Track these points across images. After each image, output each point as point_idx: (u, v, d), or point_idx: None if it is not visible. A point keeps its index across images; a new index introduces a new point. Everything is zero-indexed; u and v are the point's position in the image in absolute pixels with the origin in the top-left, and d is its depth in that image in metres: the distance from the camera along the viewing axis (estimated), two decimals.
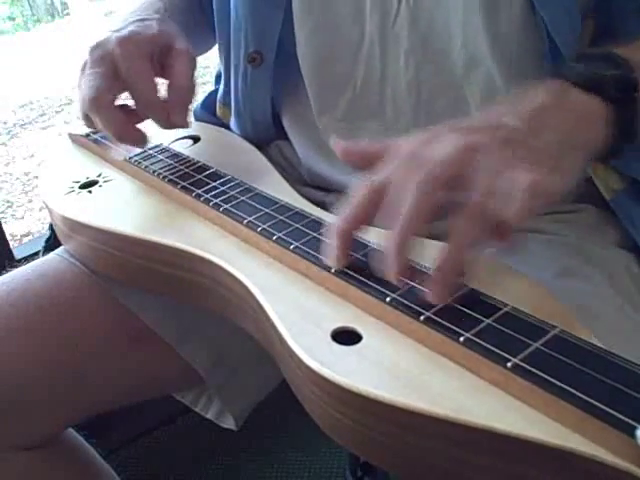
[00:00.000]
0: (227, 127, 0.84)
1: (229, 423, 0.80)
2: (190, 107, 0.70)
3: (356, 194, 0.48)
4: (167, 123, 0.69)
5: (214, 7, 0.80)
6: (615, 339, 0.41)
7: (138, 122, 0.69)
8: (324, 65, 0.71)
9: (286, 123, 0.78)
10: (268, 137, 0.80)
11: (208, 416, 0.81)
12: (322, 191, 0.77)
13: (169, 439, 1.34)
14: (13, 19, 6.14)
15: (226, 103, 0.83)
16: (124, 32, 0.68)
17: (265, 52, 0.73)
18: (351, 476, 1.06)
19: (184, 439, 1.33)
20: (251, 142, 0.79)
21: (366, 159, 0.51)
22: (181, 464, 1.29)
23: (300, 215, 0.58)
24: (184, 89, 0.70)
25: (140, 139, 0.69)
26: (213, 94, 0.88)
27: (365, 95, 0.70)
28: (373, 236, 0.54)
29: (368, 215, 0.48)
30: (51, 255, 0.74)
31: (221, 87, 0.84)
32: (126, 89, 0.67)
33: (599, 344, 0.40)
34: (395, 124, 0.70)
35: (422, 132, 0.49)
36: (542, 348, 0.39)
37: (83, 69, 0.69)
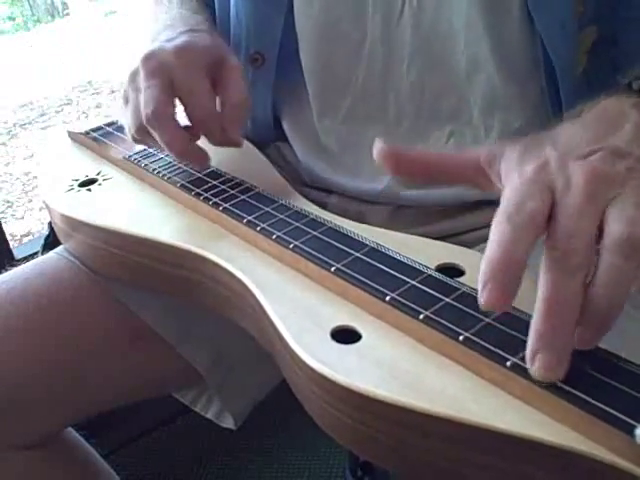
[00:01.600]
0: None
1: (229, 423, 0.80)
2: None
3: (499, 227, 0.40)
4: (222, 139, 0.65)
5: (215, 6, 0.79)
6: (617, 341, 0.41)
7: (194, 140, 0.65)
8: (325, 67, 0.71)
9: (286, 125, 0.78)
10: (268, 138, 0.80)
11: (208, 416, 0.81)
12: (323, 192, 0.77)
13: (169, 439, 1.34)
14: (13, 19, 6.15)
15: None
16: (179, 41, 0.65)
17: (266, 53, 0.72)
18: (351, 476, 1.06)
19: (184, 439, 1.33)
20: (251, 142, 0.79)
21: (430, 171, 0.46)
22: (181, 464, 1.29)
23: (299, 214, 0.58)
24: (241, 105, 0.65)
25: (204, 158, 0.65)
26: None
27: (367, 98, 0.70)
28: (375, 235, 0.54)
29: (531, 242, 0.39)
30: (50, 254, 0.74)
31: None
32: (180, 101, 0.63)
33: (600, 345, 0.39)
34: (397, 127, 0.70)
35: (517, 152, 0.43)
36: None
37: (133, 81, 0.64)
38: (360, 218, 0.71)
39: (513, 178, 0.41)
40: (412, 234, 0.56)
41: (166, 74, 0.62)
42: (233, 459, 1.28)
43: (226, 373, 0.77)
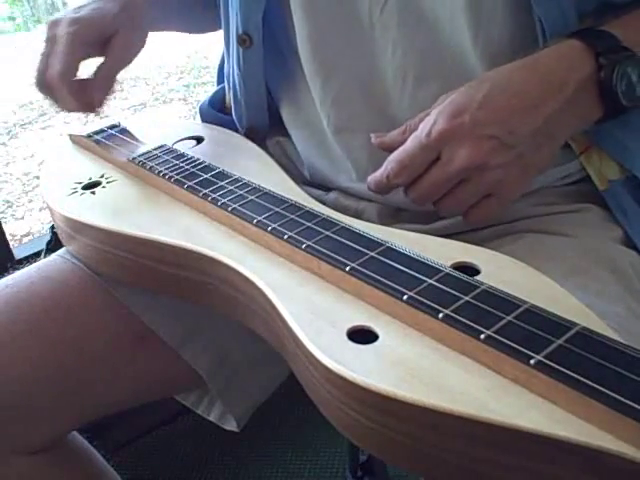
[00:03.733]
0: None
1: (231, 425, 0.80)
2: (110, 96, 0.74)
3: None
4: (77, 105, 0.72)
5: None
6: (625, 338, 0.41)
7: None
8: (316, 49, 0.71)
9: (284, 114, 0.79)
10: (263, 123, 0.80)
11: (210, 418, 0.81)
12: (322, 190, 0.77)
13: (169, 439, 1.34)
14: (13, 19, 6.13)
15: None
16: (79, 13, 0.72)
17: (253, 34, 0.73)
18: (351, 476, 1.06)
19: (184, 439, 1.33)
20: (249, 132, 0.79)
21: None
22: (181, 464, 1.29)
23: (310, 214, 0.57)
24: (109, 77, 0.74)
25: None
26: (220, 91, 0.88)
27: (355, 82, 0.70)
28: (387, 234, 0.53)
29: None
30: (53, 256, 0.74)
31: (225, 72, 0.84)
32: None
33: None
34: (385, 110, 0.70)
35: (447, 102, 0.59)
36: (566, 345, 0.38)
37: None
38: (359, 216, 0.72)
39: (425, 127, 0.58)
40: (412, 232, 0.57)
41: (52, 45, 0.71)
42: (233, 459, 1.28)
43: (228, 376, 0.77)
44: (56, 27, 0.71)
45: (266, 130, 0.81)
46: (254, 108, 0.78)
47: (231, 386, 0.77)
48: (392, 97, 0.69)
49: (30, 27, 6.03)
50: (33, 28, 5.99)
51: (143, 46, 0.76)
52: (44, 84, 0.71)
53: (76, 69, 0.70)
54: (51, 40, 0.71)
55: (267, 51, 0.74)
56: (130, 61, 0.75)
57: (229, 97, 0.84)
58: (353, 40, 0.68)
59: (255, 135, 0.79)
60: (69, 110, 0.73)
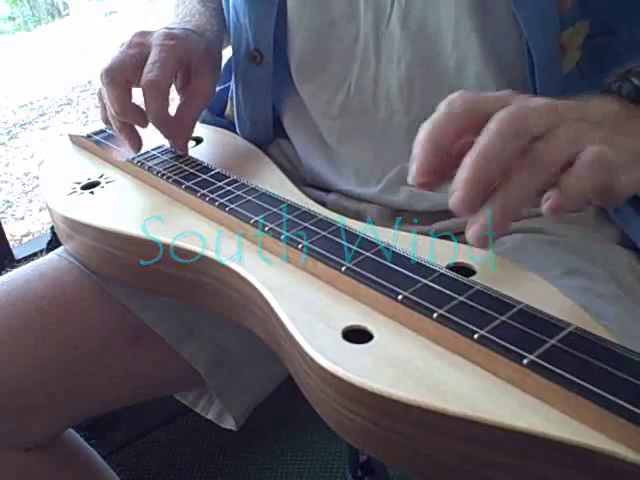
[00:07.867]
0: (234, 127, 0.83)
1: (230, 424, 0.80)
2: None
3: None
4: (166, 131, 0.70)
5: (223, 7, 0.80)
6: (622, 338, 0.41)
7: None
8: (319, 64, 0.71)
9: (286, 122, 0.79)
10: (268, 136, 0.80)
11: (209, 417, 0.81)
12: (322, 191, 0.77)
13: (169, 439, 1.34)
14: (14, 19, 6.14)
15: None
16: (172, 30, 0.71)
17: (264, 50, 0.73)
18: (351, 476, 1.06)
19: (184, 439, 1.33)
20: (251, 142, 0.79)
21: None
22: (181, 464, 1.29)
23: (308, 214, 0.57)
24: (196, 104, 0.72)
25: (141, 119, 0.69)
26: (221, 94, 0.88)
27: (359, 95, 0.70)
28: (384, 235, 0.54)
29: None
30: (51, 255, 0.74)
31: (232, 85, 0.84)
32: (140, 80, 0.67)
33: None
34: (389, 123, 0.70)
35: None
36: (559, 345, 0.39)
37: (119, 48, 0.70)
38: (359, 216, 0.72)
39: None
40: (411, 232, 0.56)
41: (143, 50, 0.69)
42: (233, 459, 1.28)
43: (227, 374, 0.77)
44: (147, 36, 0.70)
45: (270, 141, 0.81)
46: (260, 122, 0.79)
47: (230, 385, 0.77)
48: (398, 109, 0.69)
49: (30, 27, 6.04)
50: (33, 28, 6.00)
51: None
52: (116, 80, 0.67)
53: (170, 82, 0.68)
54: (139, 45, 0.69)
55: (274, 66, 0.74)
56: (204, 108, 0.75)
57: (231, 109, 0.84)
58: (358, 55, 0.69)
59: (257, 143, 0.79)
60: (135, 119, 0.69)
